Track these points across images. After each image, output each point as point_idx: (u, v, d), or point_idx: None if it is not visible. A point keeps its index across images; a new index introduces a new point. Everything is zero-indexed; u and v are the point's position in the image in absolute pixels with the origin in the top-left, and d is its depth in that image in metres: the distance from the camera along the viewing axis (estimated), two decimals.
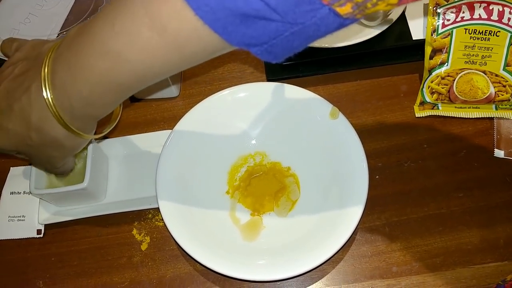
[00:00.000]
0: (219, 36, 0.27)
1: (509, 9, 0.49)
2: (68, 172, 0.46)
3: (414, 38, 0.54)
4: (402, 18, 0.54)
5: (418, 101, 0.53)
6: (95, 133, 0.40)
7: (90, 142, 0.46)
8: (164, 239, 0.49)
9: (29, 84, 0.35)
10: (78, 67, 0.32)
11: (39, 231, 0.50)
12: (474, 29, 0.49)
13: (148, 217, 0.50)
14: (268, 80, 0.56)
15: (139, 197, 0.50)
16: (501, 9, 0.49)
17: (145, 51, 0.29)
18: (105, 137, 0.53)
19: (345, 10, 0.25)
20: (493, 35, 0.49)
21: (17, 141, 0.38)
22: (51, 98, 0.34)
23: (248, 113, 0.51)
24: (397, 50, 0.55)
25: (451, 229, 0.47)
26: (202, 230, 0.46)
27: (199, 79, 0.58)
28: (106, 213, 0.50)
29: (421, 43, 0.52)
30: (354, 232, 0.47)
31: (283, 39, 0.27)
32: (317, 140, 0.50)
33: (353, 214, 0.44)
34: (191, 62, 0.31)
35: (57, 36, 0.63)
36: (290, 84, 0.52)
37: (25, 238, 0.50)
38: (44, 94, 0.34)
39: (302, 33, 0.26)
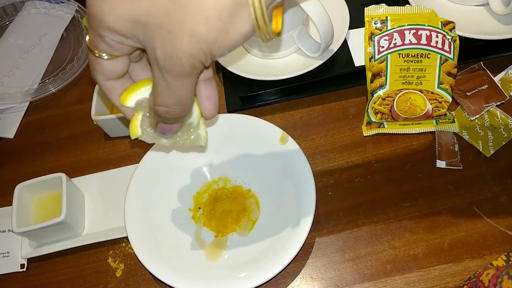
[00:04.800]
0: None
1: (435, 33, 0.54)
2: (183, 115, 0.34)
3: (357, 65, 0.59)
4: (345, 47, 0.60)
5: (365, 121, 0.58)
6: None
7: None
8: (137, 265, 0.53)
9: None
10: None
11: (22, 265, 0.54)
12: (407, 53, 0.54)
13: (122, 245, 0.54)
14: (228, 112, 0.61)
15: (113, 227, 0.55)
16: (428, 34, 0.54)
17: None
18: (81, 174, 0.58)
19: None
20: (425, 57, 0.54)
21: None
22: None
23: (209, 142, 0.56)
24: (342, 76, 0.60)
25: (400, 237, 0.51)
26: (169, 254, 0.50)
27: None
28: (83, 244, 0.54)
29: (363, 69, 0.57)
30: (310, 246, 0.51)
31: None
32: (271, 163, 0.54)
33: (303, 228, 0.48)
34: None
35: (38, 85, 0.69)
36: (249, 114, 0.57)
37: (10, 272, 0.54)
38: None
39: None
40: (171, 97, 0.32)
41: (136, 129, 0.37)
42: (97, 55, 0.32)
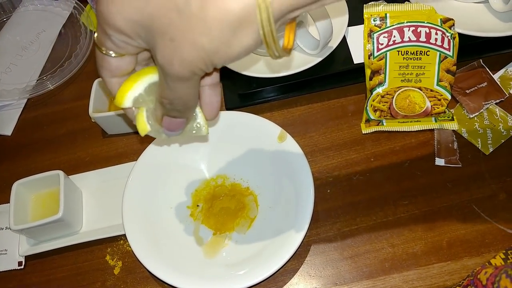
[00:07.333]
0: None
1: (435, 31, 0.54)
2: (189, 109, 0.35)
3: (356, 62, 0.59)
4: (344, 45, 0.60)
5: (364, 119, 0.57)
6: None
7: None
8: (135, 263, 0.53)
9: None
10: None
11: (20, 263, 0.54)
12: (406, 51, 0.54)
13: (120, 243, 0.54)
14: (227, 109, 0.60)
15: (111, 224, 0.54)
16: (428, 31, 0.54)
17: None
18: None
19: None
20: (424, 55, 0.54)
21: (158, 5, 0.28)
22: None
23: (207, 140, 0.56)
24: (341, 74, 0.60)
25: (398, 235, 0.50)
26: (167, 252, 0.50)
27: None
28: (81, 241, 0.54)
29: (362, 66, 0.57)
30: (309, 243, 0.51)
31: None
32: (270, 161, 0.54)
33: (302, 226, 0.47)
34: None
35: (36, 82, 0.68)
36: (248, 111, 0.57)
37: (8, 270, 0.54)
38: None
39: None
40: (171, 94, 0.33)
41: (145, 125, 0.37)
42: (104, 52, 0.33)
